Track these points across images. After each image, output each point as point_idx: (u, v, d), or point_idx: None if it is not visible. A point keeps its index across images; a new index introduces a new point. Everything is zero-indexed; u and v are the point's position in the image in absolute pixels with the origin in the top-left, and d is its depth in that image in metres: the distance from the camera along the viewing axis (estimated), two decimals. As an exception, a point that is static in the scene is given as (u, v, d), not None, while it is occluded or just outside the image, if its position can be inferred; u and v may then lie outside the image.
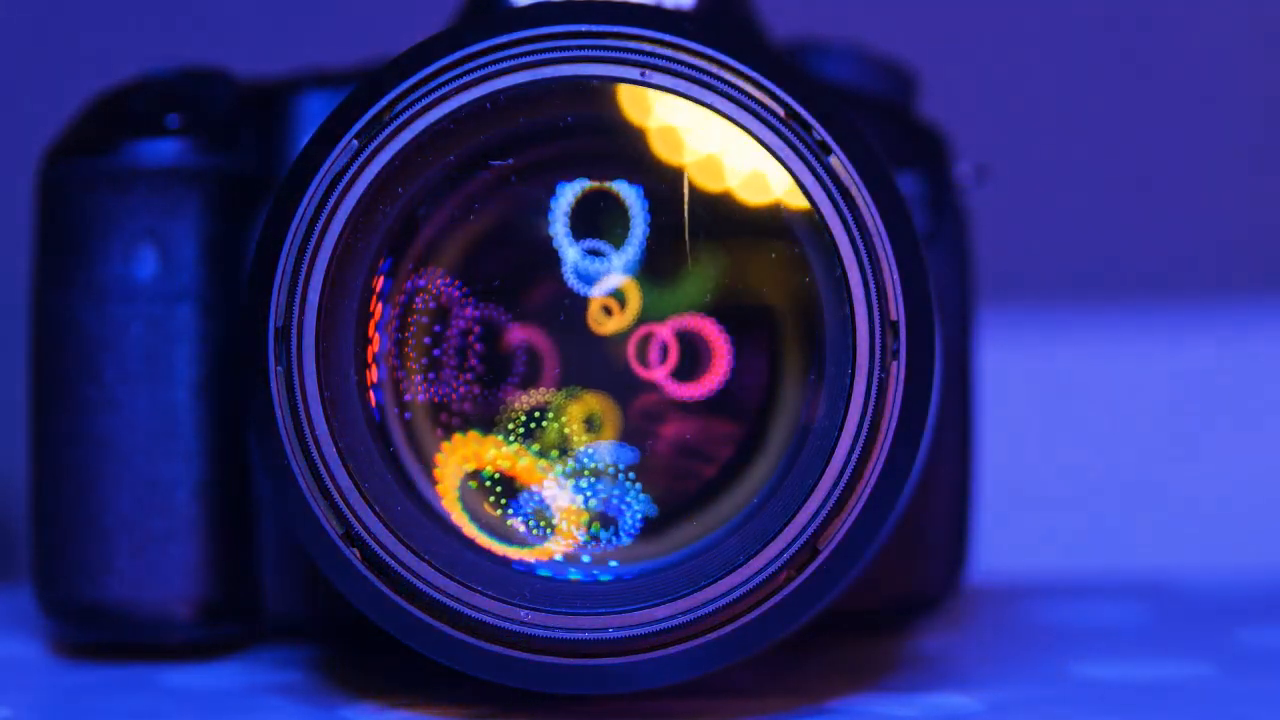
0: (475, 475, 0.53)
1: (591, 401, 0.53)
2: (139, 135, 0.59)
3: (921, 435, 0.51)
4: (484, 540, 0.52)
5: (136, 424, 0.58)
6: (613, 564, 0.52)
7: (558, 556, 0.52)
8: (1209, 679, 0.58)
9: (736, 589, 0.50)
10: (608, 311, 0.53)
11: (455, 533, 0.52)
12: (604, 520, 0.53)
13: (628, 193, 0.52)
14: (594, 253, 0.52)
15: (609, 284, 0.53)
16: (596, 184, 0.52)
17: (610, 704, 0.53)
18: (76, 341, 0.58)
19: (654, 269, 0.53)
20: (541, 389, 0.53)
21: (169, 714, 0.54)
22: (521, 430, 0.53)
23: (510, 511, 0.52)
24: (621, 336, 0.53)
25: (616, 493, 0.53)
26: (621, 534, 0.52)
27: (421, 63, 0.51)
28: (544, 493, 0.52)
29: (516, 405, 0.53)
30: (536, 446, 0.53)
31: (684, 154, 0.52)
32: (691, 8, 0.60)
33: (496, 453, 0.53)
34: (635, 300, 0.53)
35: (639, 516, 0.53)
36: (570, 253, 0.53)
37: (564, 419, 0.53)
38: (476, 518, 0.52)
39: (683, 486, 0.53)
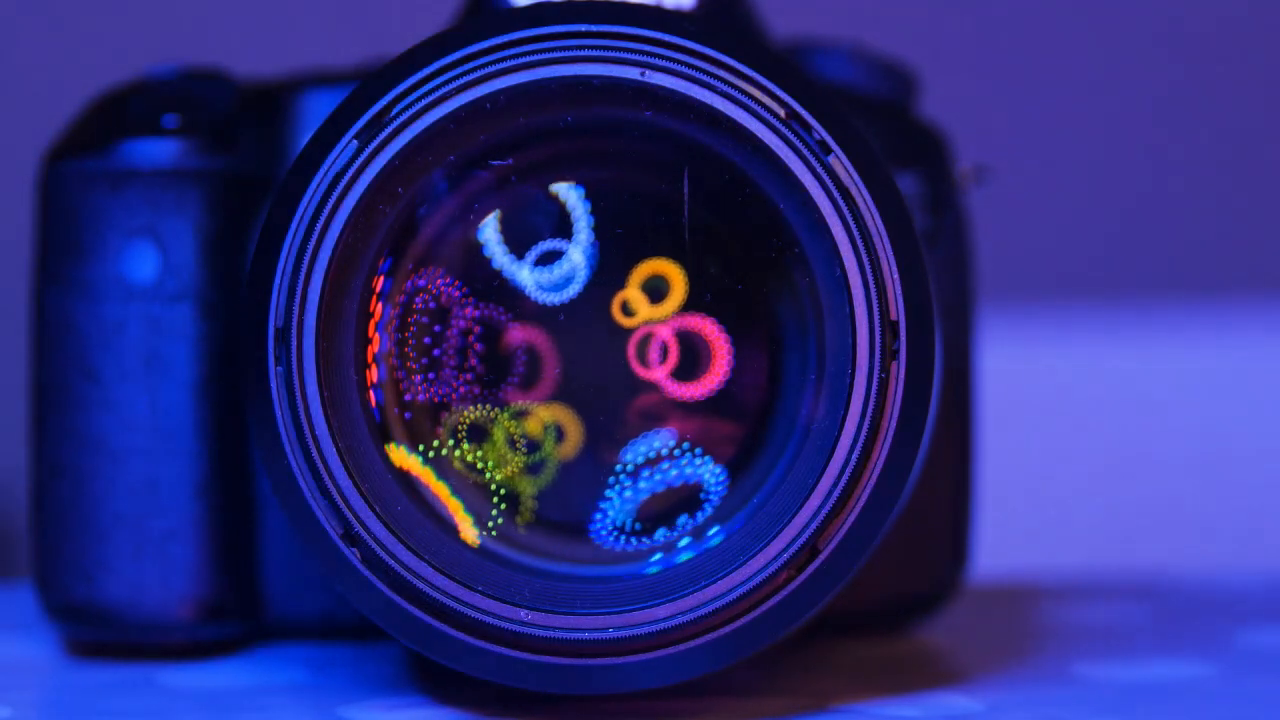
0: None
1: (545, 413, 0.53)
2: (137, 135, 0.59)
3: (921, 435, 0.51)
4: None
5: (136, 424, 0.58)
6: (713, 530, 0.52)
7: (658, 554, 0.52)
8: (1209, 679, 0.58)
9: (736, 589, 0.50)
10: (627, 311, 0.53)
11: (456, 532, 0.52)
12: (690, 499, 0.52)
13: (558, 188, 0.52)
14: (547, 258, 0.52)
15: (577, 285, 0.53)
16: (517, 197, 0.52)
17: (610, 704, 0.53)
18: (76, 341, 0.58)
19: (654, 269, 0.53)
20: (478, 406, 0.53)
21: (169, 714, 0.54)
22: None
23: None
24: (661, 321, 0.53)
25: (684, 465, 0.52)
26: (712, 497, 0.52)
27: (421, 63, 0.51)
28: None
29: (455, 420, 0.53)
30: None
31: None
32: (691, 8, 0.60)
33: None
34: (680, 288, 0.53)
35: (718, 475, 0.53)
36: (524, 275, 0.53)
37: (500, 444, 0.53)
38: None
39: (672, 493, 0.53)
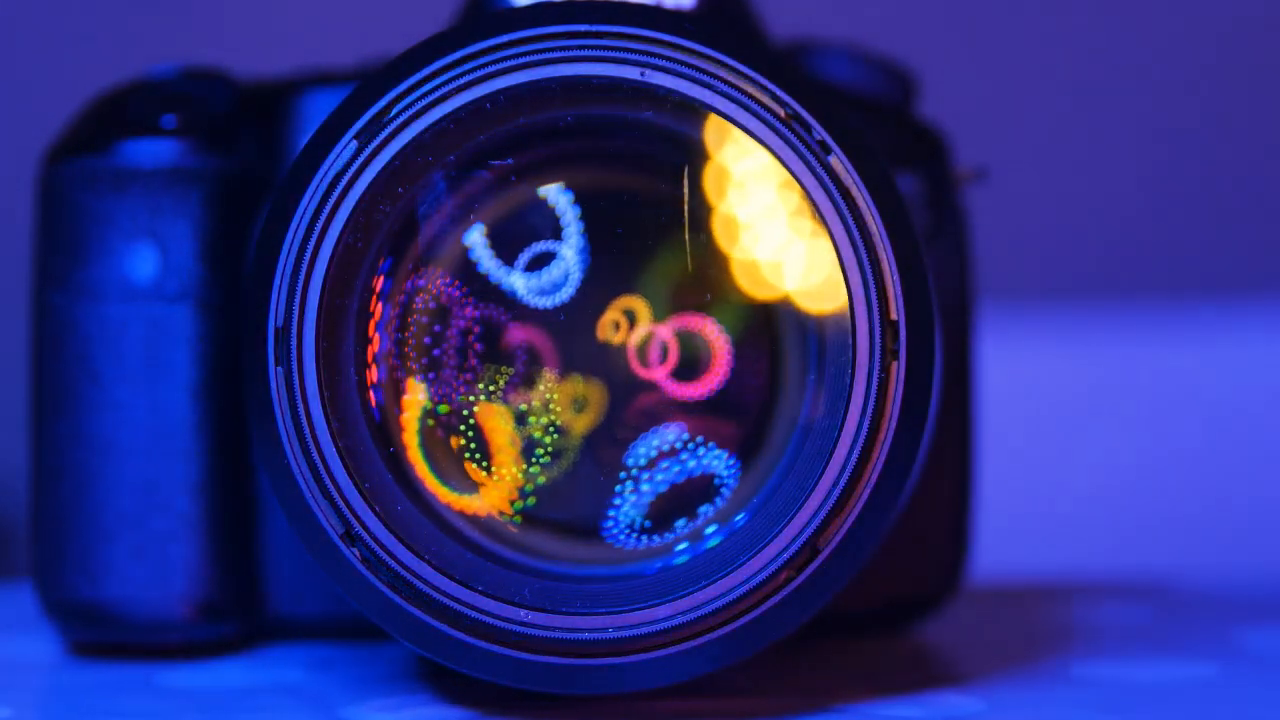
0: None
1: (579, 383, 0.53)
2: (136, 135, 0.59)
3: (921, 435, 0.51)
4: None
5: (136, 424, 0.58)
6: (710, 530, 0.52)
7: (681, 545, 0.52)
8: (1210, 679, 0.58)
9: (736, 589, 0.50)
10: (616, 327, 0.53)
11: (456, 532, 0.52)
12: (703, 490, 0.52)
13: (546, 191, 0.52)
14: (539, 262, 0.52)
15: (570, 288, 0.53)
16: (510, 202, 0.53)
17: (610, 704, 0.53)
18: (76, 341, 0.58)
19: (654, 269, 0.53)
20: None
21: (169, 714, 0.54)
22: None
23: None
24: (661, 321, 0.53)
25: (692, 463, 0.52)
26: (723, 492, 0.52)
27: (421, 63, 0.51)
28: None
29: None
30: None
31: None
32: (691, 8, 0.60)
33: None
34: (645, 316, 0.53)
35: (730, 466, 0.52)
36: (516, 281, 0.53)
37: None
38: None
39: (683, 486, 0.53)
